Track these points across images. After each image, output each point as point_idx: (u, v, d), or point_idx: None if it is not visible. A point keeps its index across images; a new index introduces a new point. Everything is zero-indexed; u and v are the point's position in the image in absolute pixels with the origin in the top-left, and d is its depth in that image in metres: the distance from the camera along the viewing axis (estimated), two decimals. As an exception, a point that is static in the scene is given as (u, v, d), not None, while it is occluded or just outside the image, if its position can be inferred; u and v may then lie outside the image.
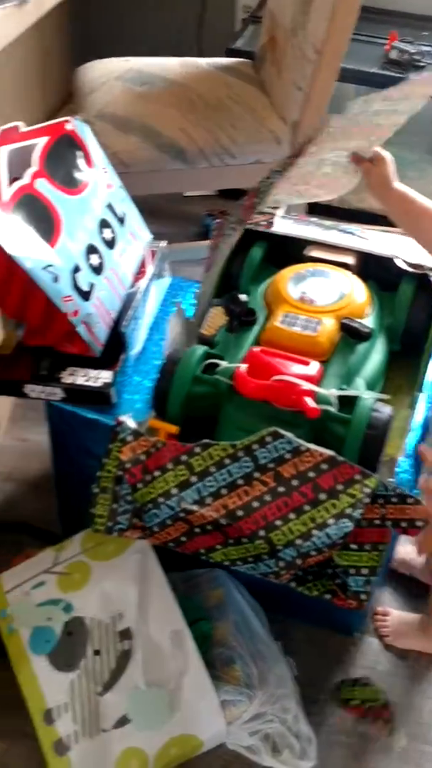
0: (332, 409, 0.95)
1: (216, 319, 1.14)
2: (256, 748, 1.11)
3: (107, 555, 1.12)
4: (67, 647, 1.08)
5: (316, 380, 0.96)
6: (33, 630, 1.09)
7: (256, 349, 0.99)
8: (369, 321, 1.08)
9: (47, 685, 1.05)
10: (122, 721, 1.04)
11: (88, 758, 1.02)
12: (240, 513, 0.87)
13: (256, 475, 0.88)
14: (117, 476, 0.93)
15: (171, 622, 1.10)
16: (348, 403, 0.95)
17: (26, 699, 1.06)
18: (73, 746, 1.03)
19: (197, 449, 0.89)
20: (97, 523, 0.96)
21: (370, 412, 0.93)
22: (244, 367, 0.97)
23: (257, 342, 1.04)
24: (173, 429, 0.97)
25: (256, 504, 0.87)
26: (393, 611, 1.30)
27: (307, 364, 0.97)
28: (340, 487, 0.87)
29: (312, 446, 0.89)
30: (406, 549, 1.33)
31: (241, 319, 1.07)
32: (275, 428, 0.89)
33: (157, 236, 1.31)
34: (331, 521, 0.86)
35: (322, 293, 1.08)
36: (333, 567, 0.92)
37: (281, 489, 0.88)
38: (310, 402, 0.92)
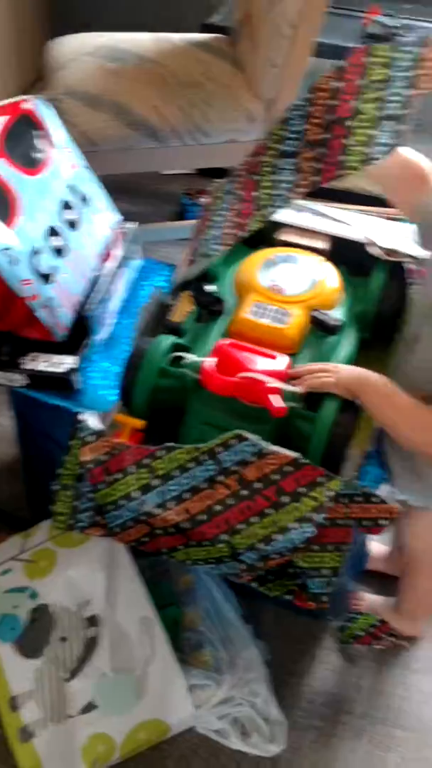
0: (298, 406, 0.93)
1: (185, 304, 1.12)
2: (224, 731, 1.11)
3: (74, 542, 1.11)
4: (33, 634, 1.07)
5: (284, 376, 0.95)
6: (-1, 617, 1.09)
7: (224, 342, 0.97)
8: (339, 310, 1.06)
9: (12, 672, 1.04)
10: (88, 707, 1.04)
11: (53, 744, 1.02)
12: (202, 517, 0.86)
13: (220, 478, 0.87)
14: (78, 474, 0.92)
15: (139, 609, 1.10)
16: (316, 399, 0.94)
17: (-8, 686, 1.05)
18: (38, 732, 1.02)
19: (160, 452, 0.88)
20: (58, 520, 0.94)
21: (336, 410, 0.91)
22: (210, 361, 0.95)
23: (226, 333, 1.02)
24: (139, 423, 0.95)
25: (218, 508, 0.86)
26: (366, 595, 1.30)
27: (275, 358, 0.96)
28: (302, 489, 0.86)
29: (276, 448, 0.87)
30: (373, 546, 1.33)
31: (210, 309, 1.05)
32: (240, 431, 0.88)
33: (133, 216, 1.28)
34: (293, 525, 0.85)
35: (293, 281, 1.06)
36: (294, 567, 0.91)
37: (244, 492, 0.86)
38: (275, 400, 0.90)
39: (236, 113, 1.59)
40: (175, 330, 1.07)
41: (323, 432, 0.90)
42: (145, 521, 0.89)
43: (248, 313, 1.01)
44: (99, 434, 0.92)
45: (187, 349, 1.00)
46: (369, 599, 1.30)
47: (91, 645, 1.07)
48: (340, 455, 0.91)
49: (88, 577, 1.09)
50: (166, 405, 0.97)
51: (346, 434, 0.91)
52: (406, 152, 0.95)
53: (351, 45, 1.92)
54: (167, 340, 0.99)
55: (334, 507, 0.87)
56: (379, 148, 0.86)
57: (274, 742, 1.11)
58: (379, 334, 1.09)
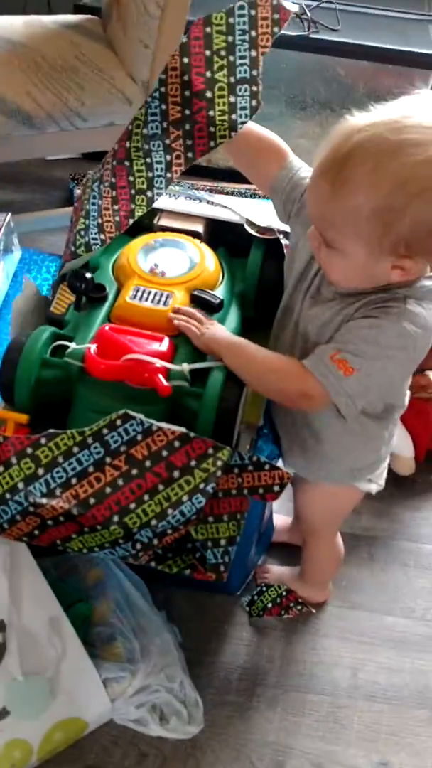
0: (186, 385, 0.94)
1: (66, 296, 1.11)
2: (143, 720, 1.12)
3: (-29, 548, 1.09)
4: None
5: (168, 356, 0.95)
6: None
7: (106, 327, 0.97)
8: (221, 290, 1.07)
9: None
10: (1, 714, 1.03)
11: (-32, 756, 1.01)
12: (92, 501, 0.86)
13: (108, 460, 0.87)
14: None
15: (46, 609, 1.09)
16: (202, 376, 0.95)
17: None
18: None
19: (43, 440, 0.87)
20: None
21: (221, 385, 0.93)
22: (94, 347, 0.94)
23: (108, 319, 1.01)
24: (23, 418, 0.94)
25: (108, 490, 0.86)
26: (272, 567, 1.34)
27: (159, 340, 0.96)
28: (193, 463, 0.87)
29: (163, 425, 0.88)
30: (277, 519, 1.37)
31: (90, 296, 1.04)
32: (125, 410, 0.88)
33: (20, 204, 1.25)
34: (185, 498, 0.86)
35: (173, 264, 1.06)
36: (191, 541, 0.92)
37: (134, 471, 0.86)
38: (161, 380, 0.91)
39: (111, 96, 1.56)
40: (56, 321, 1.06)
41: (210, 407, 0.91)
42: (34, 512, 0.87)
43: (129, 297, 1.01)
44: None
45: (69, 339, 0.98)
46: (275, 571, 1.34)
47: (-1, 652, 1.05)
48: (229, 429, 0.93)
49: (-10, 582, 1.07)
50: (53, 397, 0.96)
51: (232, 408, 0.93)
52: (256, 126, 0.97)
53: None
54: (46, 331, 0.98)
55: (227, 478, 0.89)
56: (243, 112, 0.91)
57: (192, 724, 1.13)
58: (262, 311, 1.11)
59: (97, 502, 0.85)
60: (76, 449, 0.86)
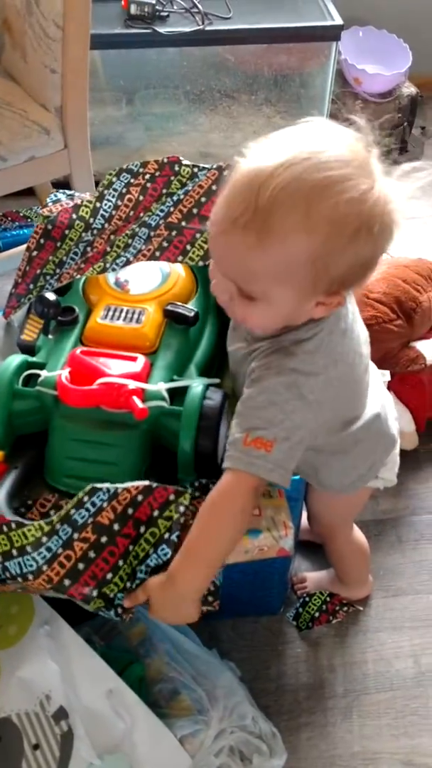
0: (164, 404, 0.90)
1: (36, 322, 1.05)
2: (226, 765, 1.07)
3: (10, 639, 1.01)
4: (3, 754, 0.97)
5: (144, 376, 0.91)
6: (-43, 749, 0.97)
7: (77, 351, 0.92)
8: (195, 301, 1.03)
9: (-7, 804, 0.94)
10: (87, 805, 0.96)
11: None
12: (67, 582, 0.80)
13: (76, 536, 0.81)
14: None
15: (102, 682, 1.02)
16: (183, 393, 0.91)
17: None
18: None
19: (13, 524, 0.81)
20: None
21: (200, 402, 0.88)
22: (65, 373, 0.89)
23: (80, 342, 0.96)
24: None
25: (81, 566, 0.80)
26: (308, 575, 1.31)
27: (133, 360, 0.92)
28: (156, 513, 0.82)
29: (127, 484, 0.83)
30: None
31: (59, 320, 0.98)
32: (92, 485, 0.82)
33: None
34: (151, 551, 0.82)
35: (143, 279, 1.02)
36: None
37: (104, 539, 0.81)
38: (136, 402, 0.86)
39: (27, 129, 1.48)
40: (27, 349, 1.00)
41: (190, 427, 0.87)
42: (15, 580, 0.83)
43: (100, 318, 0.96)
44: None
45: (41, 367, 0.93)
46: (312, 578, 1.30)
47: (67, 740, 0.98)
48: (212, 445, 0.88)
49: (39, 670, 1.00)
50: (29, 428, 0.92)
51: (213, 426, 0.88)
52: None
53: (118, 31, 1.87)
54: (15, 360, 0.92)
55: (194, 503, 0.85)
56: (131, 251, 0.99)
57: (274, 757, 1.09)
58: None
59: (72, 581, 0.80)
60: (44, 539, 0.81)
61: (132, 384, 0.87)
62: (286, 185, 0.68)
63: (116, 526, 0.81)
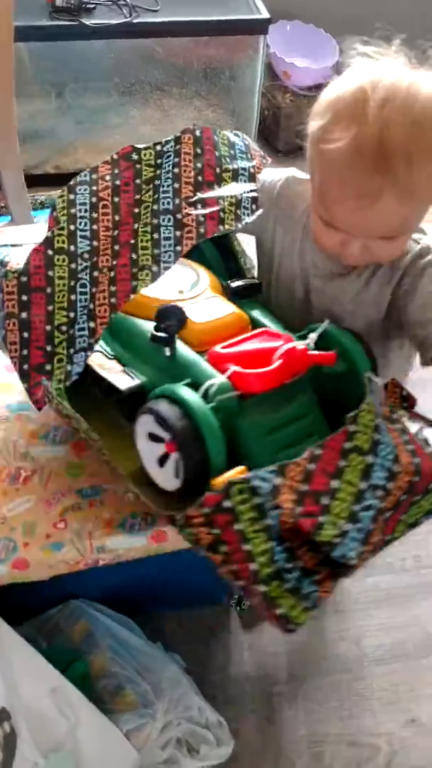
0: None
1: (113, 369, 0.93)
2: (173, 758, 1.07)
3: None
4: None
5: (289, 338, 0.87)
6: None
7: (217, 350, 0.85)
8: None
9: None
10: (33, 806, 0.95)
11: None
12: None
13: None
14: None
15: (45, 681, 1.00)
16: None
17: None
18: None
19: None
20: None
21: (350, 335, 0.88)
22: (234, 368, 0.82)
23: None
24: (243, 470, 0.77)
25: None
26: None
27: (265, 333, 0.88)
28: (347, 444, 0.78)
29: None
30: None
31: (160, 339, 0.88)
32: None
33: None
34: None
35: (178, 281, 0.96)
36: None
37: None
38: (319, 354, 0.84)
39: None
40: (139, 391, 0.88)
41: (360, 358, 0.86)
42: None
43: (197, 319, 0.89)
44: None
45: (193, 386, 0.83)
46: None
47: (10, 741, 0.96)
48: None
49: (-22, 673, 0.98)
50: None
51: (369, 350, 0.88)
52: None
53: (44, 23, 1.84)
54: (183, 387, 0.82)
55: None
56: (246, 211, 0.92)
57: (222, 746, 1.10)
58: None
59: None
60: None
61: (293, 343, 0.83)
62: (408, 138, 0.73)
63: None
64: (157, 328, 0.86)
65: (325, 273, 0.95)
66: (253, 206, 0.92)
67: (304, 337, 0.88)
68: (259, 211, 0.91)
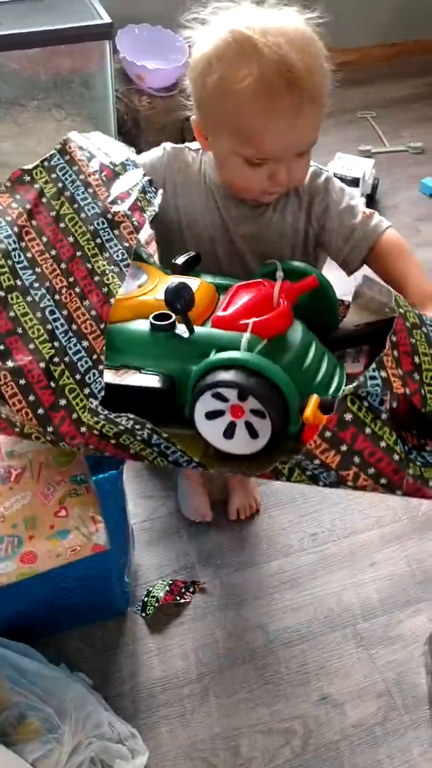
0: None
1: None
2: (88, 779, 1.05)
3: None
4: None
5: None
6: None
7: (220, 314, 0.88)
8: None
9: None
10: None
11: None
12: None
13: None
14: None
15: None
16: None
17: None
18: None
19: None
20: None
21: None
22: (252, 321, 0.84)
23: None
24: (317, 398, 0.80)
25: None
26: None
27: (253, 283, 0.92)
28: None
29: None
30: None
31: (157, 325, 0.87)
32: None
33: None
34: None
35: (131, 279, 0.95)
36: None
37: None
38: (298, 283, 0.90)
39: None
40: (167, 387, 0.86)
41: (320, 276, 0.96)
42: None
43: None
44: None
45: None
46: None
47: None
48: None
49: None
50: None
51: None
52: None
53: None
54: (228, 353, 0.82)
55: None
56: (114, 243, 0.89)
57: (137, 756, 1.08)
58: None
59: None
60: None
61: (280, 282, 0.90)
62: (299, 55, 0.85)
63: None
64: (172, 309, 0.85)
65: (246, 217, 1.03)
66: (153, 188, 0.95)
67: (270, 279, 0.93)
68: (160, 191, 0.95)
